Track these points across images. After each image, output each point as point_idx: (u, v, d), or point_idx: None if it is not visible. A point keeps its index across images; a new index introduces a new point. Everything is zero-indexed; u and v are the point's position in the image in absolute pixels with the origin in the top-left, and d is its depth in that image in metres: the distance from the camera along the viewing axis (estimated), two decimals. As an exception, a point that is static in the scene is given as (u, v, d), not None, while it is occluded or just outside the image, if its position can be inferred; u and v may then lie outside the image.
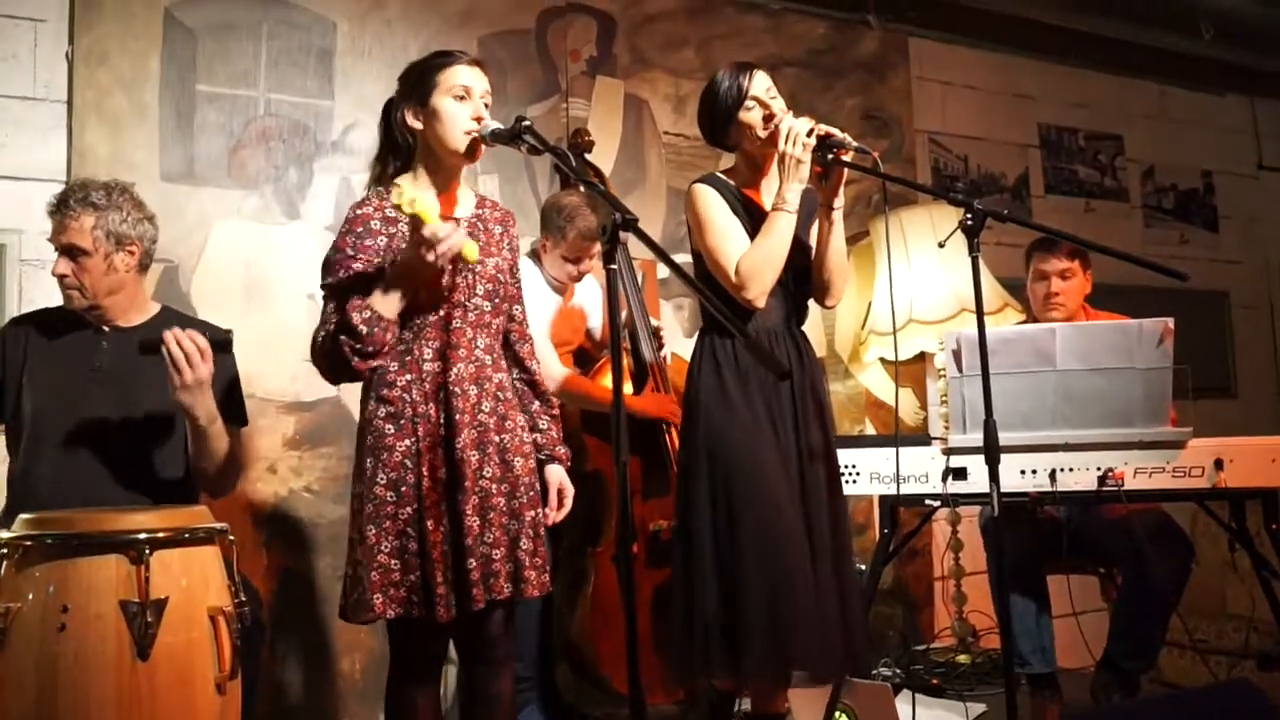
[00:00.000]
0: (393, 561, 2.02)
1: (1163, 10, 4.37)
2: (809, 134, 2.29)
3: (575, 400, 2.92)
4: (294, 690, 3.01)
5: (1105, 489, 2.57)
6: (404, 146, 2.16)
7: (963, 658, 3.64)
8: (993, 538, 3.06)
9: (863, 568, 3.17)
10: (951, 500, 2.69)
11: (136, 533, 1.78)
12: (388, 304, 2.00)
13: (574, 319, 3.18)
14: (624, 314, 2.96)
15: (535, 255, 3.04)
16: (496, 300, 2.16)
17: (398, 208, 1.91)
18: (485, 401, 2.11)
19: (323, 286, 2.09)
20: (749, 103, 2.37)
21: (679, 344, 3.49)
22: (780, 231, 2.31)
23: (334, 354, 2.03)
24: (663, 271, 3.66)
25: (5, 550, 1.78)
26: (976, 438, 2.24)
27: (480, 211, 2.22)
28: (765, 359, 2.21)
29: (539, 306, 2.86)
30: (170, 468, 2.35)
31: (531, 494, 2.15)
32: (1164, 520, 3.01)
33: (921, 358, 3.97)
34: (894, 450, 2.67)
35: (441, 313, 2.09)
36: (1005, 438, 2.19)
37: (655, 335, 3.13)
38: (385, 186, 2.13)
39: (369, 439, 2.09)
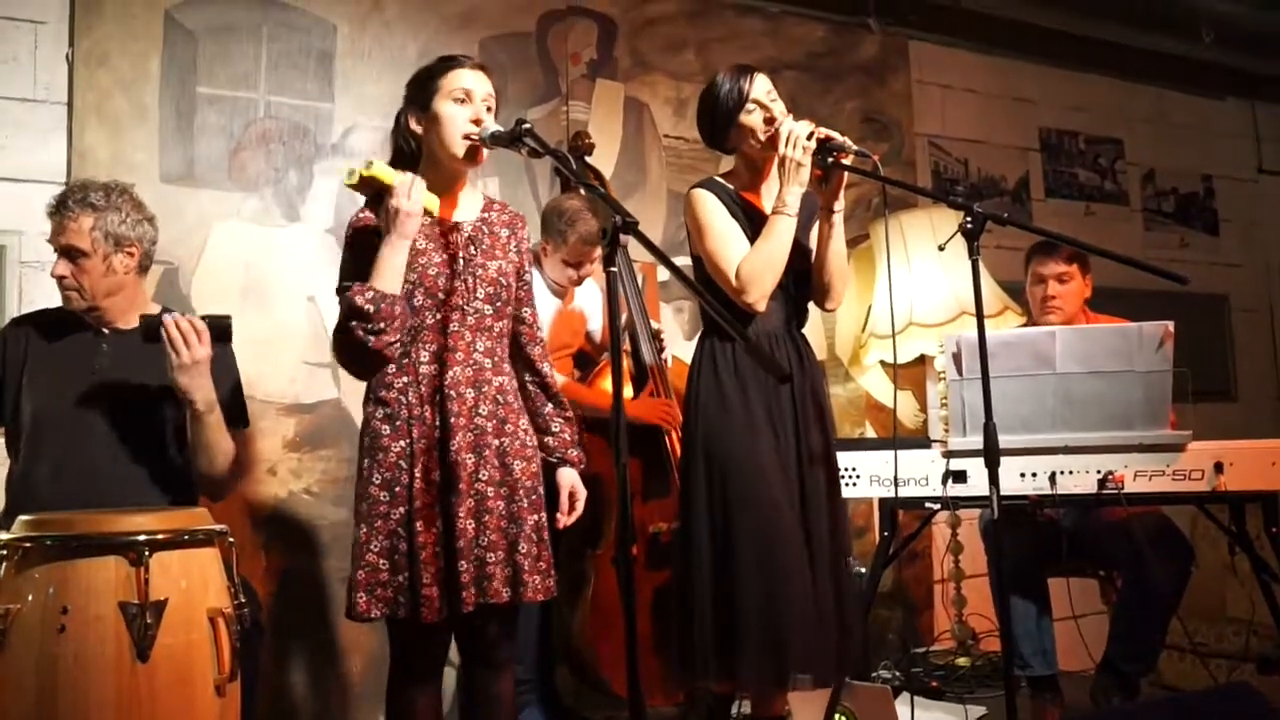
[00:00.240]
0: (381, 561, 2.04)
1: (1163, 14, 4.38)
2: (809, 137, 2.29)
3: (571, 407, 2.92)
4: (293, 692, 3.01)
5: (1105, 492, 2.57)
6: (410, 153, 2.18)
7: (963, 660, 3.64)
8: (993, 540, 3.06)
9: (863, 570, 3.17)
10: (951, 503, 2.69)
11: (136, 534, 1.78)
12: (387, 279, 2.01)
13: (574, 322, 3.18)
14: (624, 317, 2.96)
15: (535, 259, 3.04)
16: (498, 304, 2.16)
17: (352, 185, 2.00)
18: (483, 405, 2.11)
19: (337, 292, 2.11)
20: (749, 106, 2.37)
21: (679, 347, 3.49)
22: (780, 235, 2.31)
23: (349, 342, 2.03)
24: (663, 274, 3.66)
25: (5, 552, 1.78)
26: (976, 440, 2.24)
27: (486, 215, 2.22)
28: (765, 362, 2.21)
29: (539, 310, 2.85)
30: (170, 469, 2.35)
31: (534, 498, 2.14)
32: (1164, 523, 3.01)
33: (921, 361, 3.97)
34: (894, 453, 2.67)
35: (439, 316, 2.10)
36: (1005, 440, 2.19)
37: (656, 338, 3.13)
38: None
39: (366, 440, 2.12)
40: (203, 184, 3.04)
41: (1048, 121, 4.76)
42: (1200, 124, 5.24)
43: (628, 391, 3.00)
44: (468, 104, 2.09)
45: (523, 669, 2.77)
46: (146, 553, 1.77)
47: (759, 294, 2.31)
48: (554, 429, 2.28)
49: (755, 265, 2.30)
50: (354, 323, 2.00)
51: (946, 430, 2.73)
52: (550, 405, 2.29)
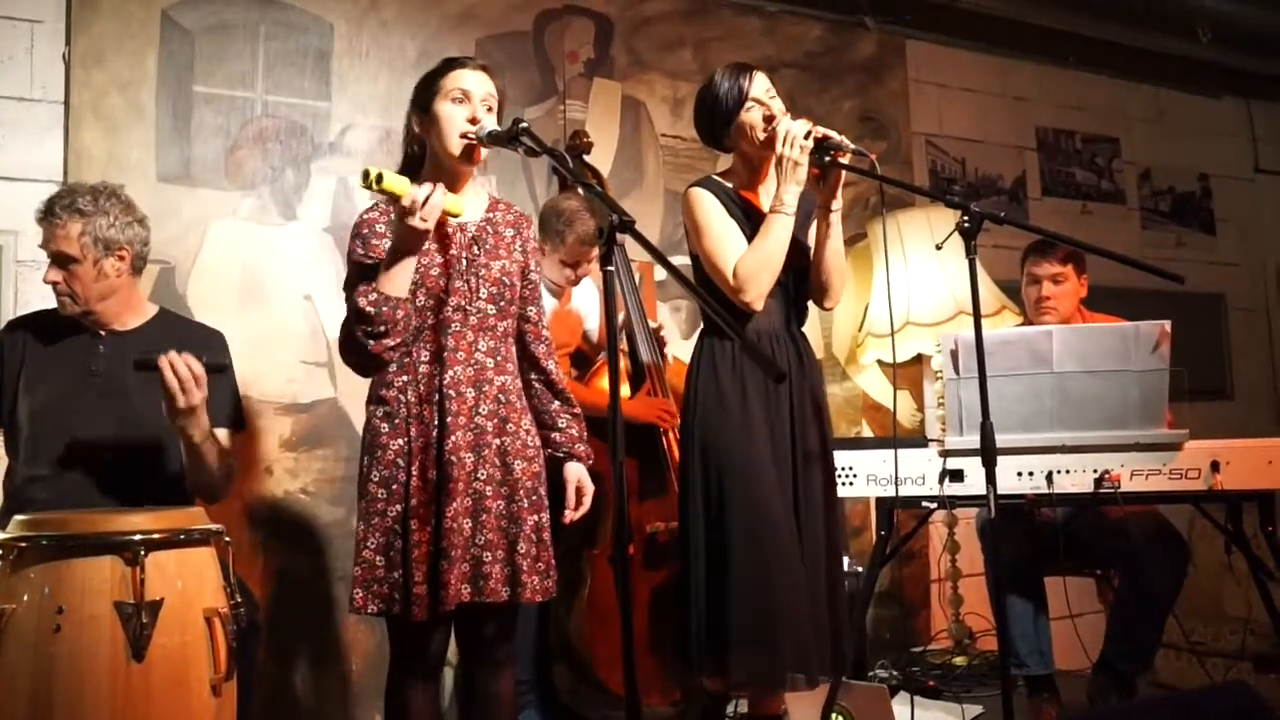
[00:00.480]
0: (377, 558, 2.05)
1: (1160, 13, 4.37)
2: (806, 136, 2.29)
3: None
4: (290, 692, 3.00)
5: (1102, 491, 2.57)
6: (415, 155, 2.20)
7: (959, 660, 3.64)
8: (990, 540, 3.06)
9: (860, 570, 3.17)
10: (948, 502, 2.69)
11: (132, 534, 1.79)
12: (392, 283, 2.01)
13: (571, 322, 3.18)
14: (621, 316, 2.96)
15: (533, 257, 3.04)
16: (502, 303, 2.16)
17: (368, 188, 1.94)
18: (484, 404, 2.11)
19: (344, 288, 2.12)
20: (749, 104, 2.37)
21: (677, 346, 3.49)
22: (777, 234, 2.31)
23: (352, 342, 2.04)
24: (660, 273, 3.66)
25: (0, 552, 1.78)
26: (973, 440, 2.24)
27: (491, 215, 2.22)
28: (761, 361, 2.21)
29: (536, 308, 2.85)
30: (167, 470, 2.35)
31: (534, 498, 2.15)
32: (1160, 522, 3.02)
33: (919, 360, 3.97)
34: (891, 452, 2.67)
35: (441, 315, 2.11)
36: (1002, 440, 2.19)
37: (656, 337, 3.12)
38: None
39: (367, 438, 2.14)
40: (199, 183, 3.03)
41: (1044, 120, 4.77)
42: (1197, 123, 5.24)
43: (625, 391, 3.00)
44: (466, 104, 2.10)
45: (520, 668, 2.77)
46: (142, 552, 1.77)
47: (756, 293, 2.31)
48: (560, 424, 2.28)
49: (752, 265, 2.30)
50: (356, 325, 2.01)
51: (943, 429, 2.73)
52: (557, 402, 2.28)
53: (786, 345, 2.42)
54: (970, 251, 2.17)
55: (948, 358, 2.64)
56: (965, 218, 2.15)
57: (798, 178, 2.30)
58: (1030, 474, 2.62)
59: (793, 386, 2.39)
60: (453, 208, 2.03)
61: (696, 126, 2.51)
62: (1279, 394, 5.30)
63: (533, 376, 2.27)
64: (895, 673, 3.55)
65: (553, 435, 2.27)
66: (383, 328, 2.00)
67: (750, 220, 2.39)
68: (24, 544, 1.77)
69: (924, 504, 2.73)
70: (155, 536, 1.80)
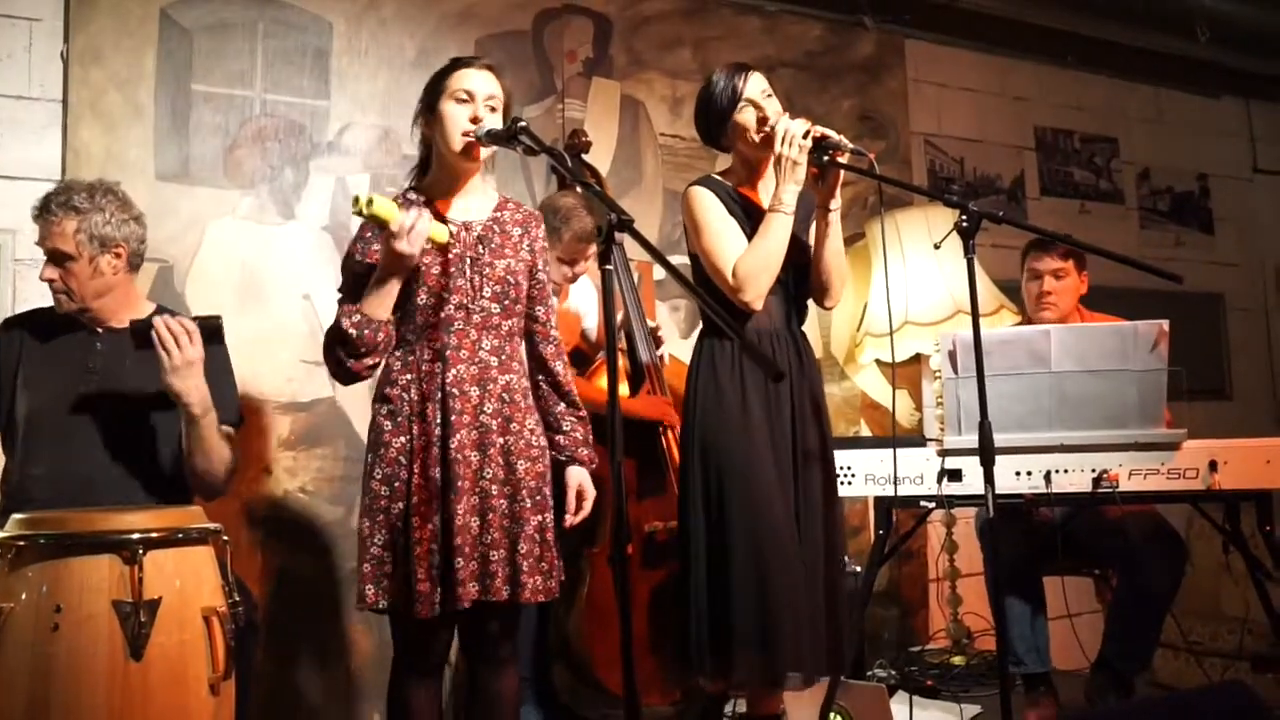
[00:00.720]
0: (385, 554, 2.07)
1: (1159, 13, 4.37)
2: (805, 135, 2.29)
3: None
4: (288, 691, 3.00)
5: (1100, 491, 2.58)
6: (423, 156, 2.24)
7: (958, 659, 3.64)
8: (988, 539, 3.06)
9: (858, 569, 3.17)
10: (947, 502, 2.69)
11: (130, 533, 1.78)
12: (376, 305, 2.06)
13: (569, 320, 3.17)
14: (619, 315, 2.96)
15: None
16: (506, 302, 2.16)
17: (358, 214, 1.99)
18: (488, 403, 2.12)
19: (339, 290, 2.16)
20: (743, 103, 2.37)
21: (675, 345, 3.49)
22: (776, 233, 2.31)
23: (332, 355, 2.11)
24: (659, 272, 3.66)
25: (-1, 550, 1.78)
26: (972, 439, 2.24)
27: (499, 214, 2.23)
28: (761, 360, 2.21)
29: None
30: (165, 468, 2.34)
31: (537, 498, 2.15)
32: (1158, 522, 3.02)
33: (917, 359, 3.97)
34: (889, 452, 2.67)
35: (443, 314, 2.12)
36: (1000, 439, 2.20)
37: (653, 335, 3.12)
38: (403, 194, 2.21)
39: (371, 435, 2.16)
40: (198, 182, 3.03)
41: (1043, 120, 4.77)
42: (1196, 123, 5.24)
43: (624, 390, 3.00)
44: (469, 104, 2.12)
45: (519, 667, 2.77)
46: (140, 551, 1.77)
47: (755, 293, 2.31)
48: (565, 427, 2.28)
49: (751, 264, 2.30)
50: (338, 344, 2.08)
51: (942, 429, 2.73)
52: (562, 404, 2.29)
53: (786, 344, 2.42)
54: (969, 251, 2.17)
55: (946, 357, 2.64)
56: (964, 217, 2.15)
57: (797, 177, 2.30)
58: (1028, 473, 2.62)
59: (793, 386, 2.39)
60: (437, 236, 2.06)
61: (696, 126, 2.51)
62: (1277, 394, 5.31)
63: (540, 377, 2.28)
64: (893, 672, 3.55)
65: (557, 438, 2.27)
66: (363, 349, 2.06)
67: (750, 218, 2.39)
68: (22, 543, 1.77)
69: (922, 503, 2.73)
70: (153, 535, 1.80)
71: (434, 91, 2.17)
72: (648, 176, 3.76)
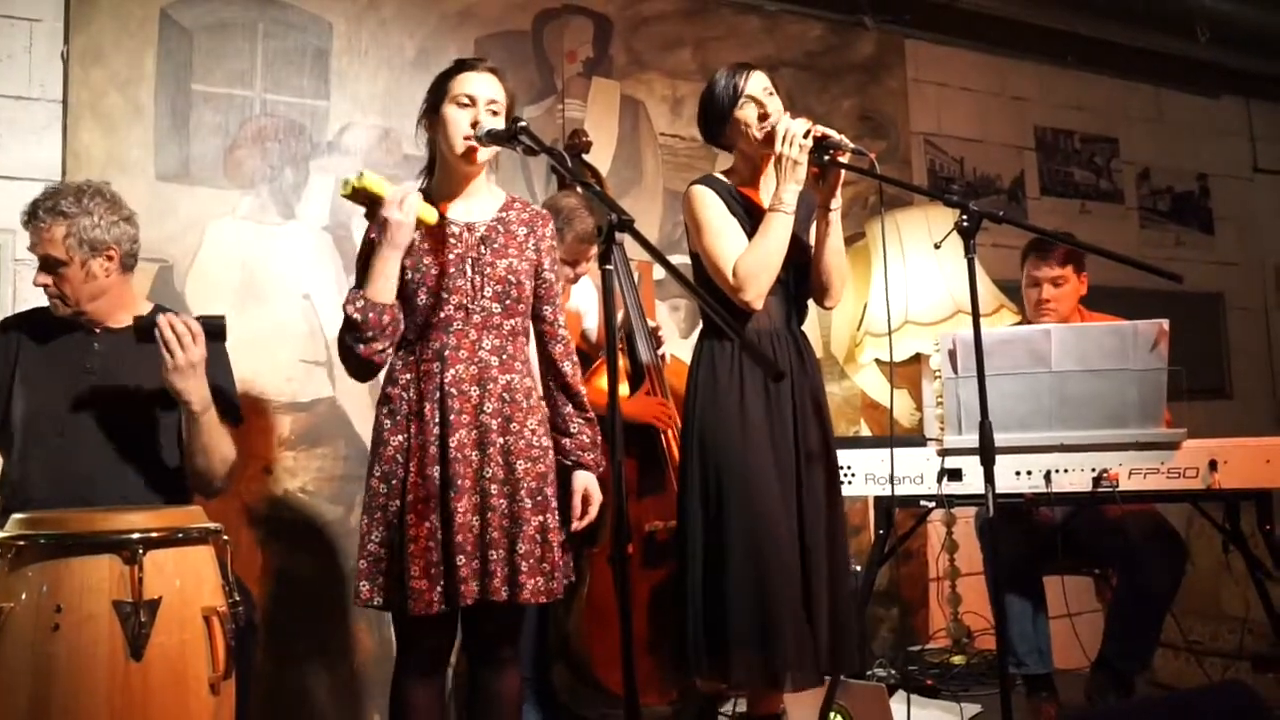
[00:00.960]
0: (381, 551, 2.08)
1: (1159, 13, 4.37)
2: (806, 135, 2.29)
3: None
4: (288, 691, 3.00)
5: (1100, 490, 2.58)
6: (430, 157, 2.25)
7: (958, 659, 3.64)
8: (988, 539, 3.06)
9: (858, 569, 3.17)
10: (947, 501, 2.70)
11: (130, 533, 1.78)
12: (378, 287, 2.07)
13: (570, 320, 3.16)
14: (620, 315, 2.96)
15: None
16: (508, 302, 2.17)
17: (347, 196, 2.03)
18: (488, 403, 2.12)
19: (345, 305, 2.16)
20: (744, 100, 2.38)
21: (675, 345, 3.49)
22: (777, 233, 2.31)
23: (343, 348, 2.12)
24: (659, 272, 3.66)
25: (-2, 550, 1.78)
26: (972, 439, 2.24)
27: (505, 214, 2.24)
28: (761, 360, 2.21)
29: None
30: (164, 468, 2.34)
31: (538, 499, 2.14)
32: (1158, 522, 3.02)
33: (917, 359, 3.97)
34: (889, 451, 2.67)
35: (444, 314, 2.12)
36: (1000, 439, 2.20)
37: (654, 335, 3.12)
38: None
39: (373, 434, 2.17)
40: (198, 182, 3.03)
41: (1043, 120, 4.77)
42: (1196, 123, 5.24)
43: (624, 390, 3.00)
44: (470, 108, 2.13)
45: (520, 668, 2.77)
46: (140, 551, 1.77)
47: (755, 292, 2.31)
48: (572, 430, 2.28)
49: (752, 264, 2.30)
50: (346, 332, 2.09)
51: (942, 428, 2.73)
52: (570, 406, 2.28)
53: (787, 343, 2.42)
54: (969, 251, 2.17)
55: (946, 357, 2.65)
56: (964, 217, 2.15)
57: (797, 176, 2.31)
58: (1029, 473, 2.62)
59: (794, 385, 2.39)
60: (425, 216, 2.09)
61: (698, 124, 2.51)
62: (1277, 393, 5.31)
63: (548, 377, 2.28)
64: (893, 671, 3.55)
65: (564, 441, 2.27)
66: (370, 333, 2.06)
67: (751, 217, 2.39)
68: (22, 543, 1.77)
69: (922, 503, 2.74)
70: (153, 535, 1.80)
71: (437, 94, 2.17)
72: (648, 176, 3.76)
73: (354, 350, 2.08)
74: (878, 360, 4.01)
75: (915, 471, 2.70)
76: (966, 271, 2.19)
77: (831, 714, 2.56)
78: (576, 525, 2.28)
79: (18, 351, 2.33)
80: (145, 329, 2.18)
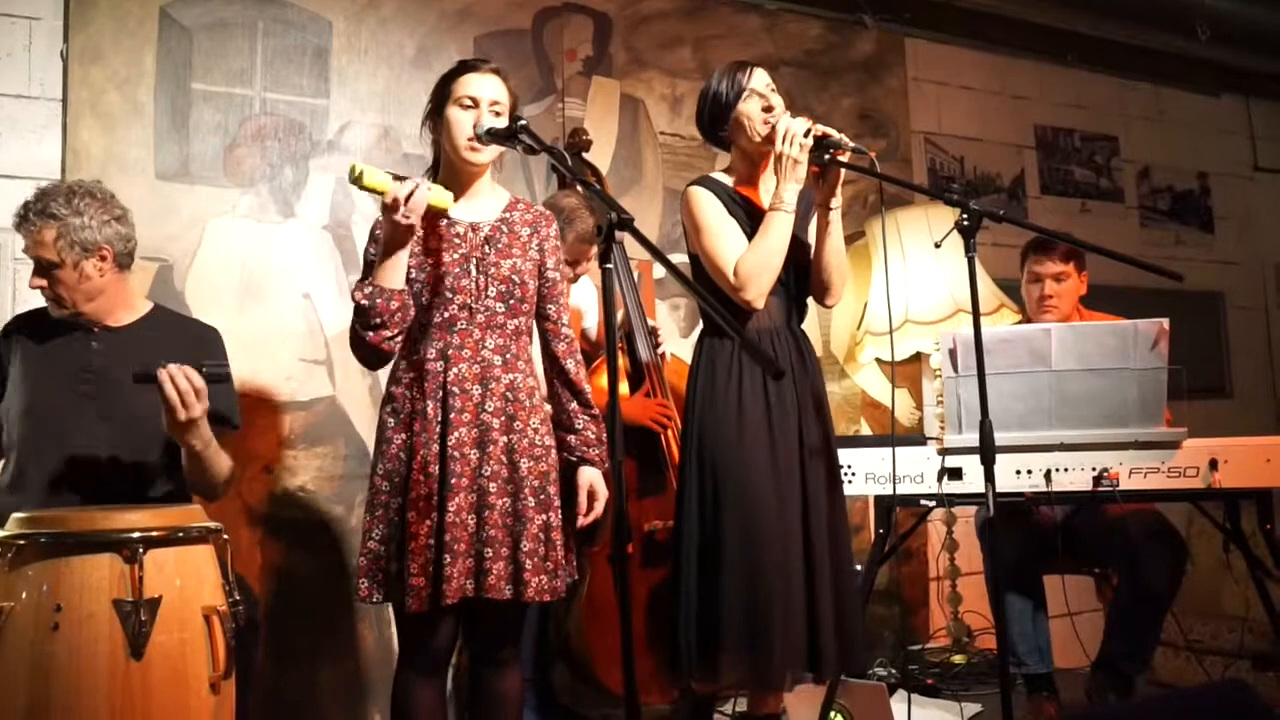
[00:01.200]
0: (381, 548, 2.09)
1: (1159, 11, 4.37)
2: (806, 134, 2.29)
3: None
4: (288, 690, 3.00)
5: (1100, 489, 2.58)
6: (435, 157, 2.26)
7: (958, 658, 3.65)
8: (988, 538, 3.06)
9: (859, 568, 3.17)
10: (947, 501, 2.69)
11: (130, 532, 1.78)
12: (385, 275, 2.07)
13: (569, 319, 3.17)
14: (620, 314, 2.96)
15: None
16: (512, 301, 2.17)
17: (354, 183, 2.00)
18: (490, 401, 2.12)
19: (354, 292, 2.16)
20: (747, 93, 2.37)
21: (675, 344, 3.49)
22: (778, 232, 2.30)
23: (354, 336, 2.13)
24: (659, 271, 3.66)
25: (-1, 549, 1.78)
26: (972, 438, 2.24)
27: (508, 215, 2.24)
28: (761, 359, 2.21)
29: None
30: (164, 466, 2.34)
31: (542, 497, 2.15)
32: (1159, 520, 3.02)
33: (917, 358, 3.97)
34: (890, 450, 2.67)
35: (448, 314, 2.13)
36: (1001, 438, 2.20)
37: (653, 335, 3.12)
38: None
39: (377, 432, 2.18)
40: (198, 180, 3.03)
41: (1043, 119, 4.77)
42: (1196, 121, 5.24)
43: (624, 389, 3.00)
44: (473, 110, 2.14)
45: (522, 668, 2.77)
46: (141, 550, 1.77)
47: (756, 292, 2.31)
48: (577, 426, 2.28)
49: (753, 263, 2.30)
50: (355, 319, 2.09)
51: (942, 427, 2.73)
52: (575, 403, 2.28)
53: (787, 342, 2.42)
54: (969, 249, 2.17)
55: (946, 356, 2.64)
56: (964, 216, 2.15)
57: (797, 175, 2.30)
58: (1029, 472, 2.62)
59: (795, 384, 2.39)
60: (438, 202, 2.07)
61: (698, 123, 2.51)
62: (1277, 392, 5.31)
63: (553, 375, 2.29)
64: (894, 671, 3.55)
65: (568, 438, 2.27)
66: (378, 319, 2.06)
67: (750, 217, 2.39)
68: (22, 541, 1.77)
69: (923, 502, 2.73)
70: (154, 534, 1.80)
71: (440, 96, 2.18)
72: (648, 175, 3.76)
73: (364, 337, 2.08)
74: (878, 359, 4.01)
75: (915, 470, 2.70)
76: (967, 270, 2.18)
77: (832, 714, 2.56)
78: (582, 521, 2.28)
79: (17, 352, 2.33)
80: (145, 376, 2.11)
